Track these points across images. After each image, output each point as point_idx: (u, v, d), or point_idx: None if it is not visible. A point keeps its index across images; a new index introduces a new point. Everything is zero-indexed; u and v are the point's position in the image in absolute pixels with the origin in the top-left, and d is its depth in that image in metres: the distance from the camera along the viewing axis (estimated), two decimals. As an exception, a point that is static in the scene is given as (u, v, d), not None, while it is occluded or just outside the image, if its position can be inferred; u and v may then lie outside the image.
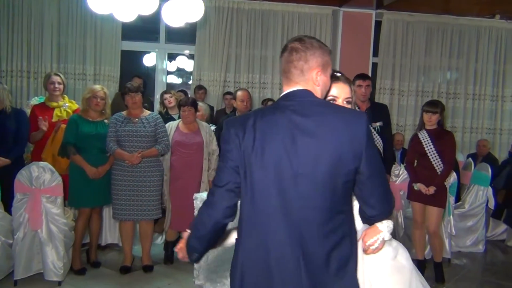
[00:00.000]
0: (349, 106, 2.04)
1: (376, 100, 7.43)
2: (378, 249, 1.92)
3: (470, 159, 6.39)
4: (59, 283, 4.13)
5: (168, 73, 7.84)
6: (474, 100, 7.69)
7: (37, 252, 4.12)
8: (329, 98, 2.00)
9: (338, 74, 2.07)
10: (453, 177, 5.10)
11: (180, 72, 8.13)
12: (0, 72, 6.51)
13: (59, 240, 4.11)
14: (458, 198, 5.79)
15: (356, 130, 1.71)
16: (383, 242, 1.91)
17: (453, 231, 5.17)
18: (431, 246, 4.76)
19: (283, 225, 1.71)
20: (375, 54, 7.40)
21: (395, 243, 2.16)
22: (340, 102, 2.03)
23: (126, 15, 4.74)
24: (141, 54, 7.71)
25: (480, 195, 5.64)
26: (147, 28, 7.15)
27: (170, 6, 4.80)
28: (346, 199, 1.77)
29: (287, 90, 1.83)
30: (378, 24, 7.35)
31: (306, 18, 7.19)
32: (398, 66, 7.49)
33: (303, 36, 1.87)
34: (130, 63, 7.52)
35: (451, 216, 5.15)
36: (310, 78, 1.80)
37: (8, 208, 4.09)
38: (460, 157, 6.79)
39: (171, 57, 7.78)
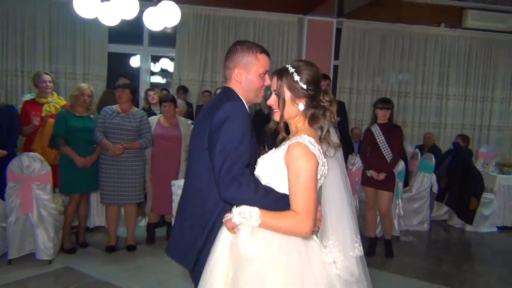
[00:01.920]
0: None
1: (337, 98, 7.50)
2: (228, 224, 1.71)
3: (417, 149, 6.51)
4: (50, 261, 4.09)
5: (153, 73, 7.76)
6: (422, 98, 7.83)
7: (29, 234, 4.06)
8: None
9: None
10: (401, 165, 5.21)
11: (164, 72, 8.05)
12: (-5, 71, 6.35)
13: (49, 223, 4.05)
14: (406, 184, 5.90)
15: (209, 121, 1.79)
16: (230, 221, 1.69)
17: (401, 212, 5.29)
18: (382, 226, 4.86)
19: None
20: (336, 57, 7.45)
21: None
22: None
23: (110, 20, 4.70)
24: (127, 56, 7.61)
25: (425, 181, 5.76)
26: (132, 33, 7.05)
27: (150, 12, 4.77)
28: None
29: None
30: (338, 31, 7.39)
31: (274, 25, 7.19)
32: (356, 68, 7.56)
33: (237, 42, 1.95)
34: (117, 64, 7.41)
35: (400, 199, 5.26)
36: (233, 76, 1.89)
37: (1, 195, 4.01)
38: (409, 148, 6.90)
39: (156, 59, 7.69)
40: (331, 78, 7.49)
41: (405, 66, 7.76)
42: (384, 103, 4.64)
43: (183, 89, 6.65)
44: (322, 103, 1.81)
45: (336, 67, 7.49)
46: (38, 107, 4.63)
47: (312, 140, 1.70)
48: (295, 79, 1.76)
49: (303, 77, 1.76)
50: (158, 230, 4.93)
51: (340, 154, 1.84)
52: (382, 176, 4.55)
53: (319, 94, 1.81)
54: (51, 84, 4.66)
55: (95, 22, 5.60)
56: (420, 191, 5.74)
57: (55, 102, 4.73)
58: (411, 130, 7.81)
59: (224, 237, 1.73)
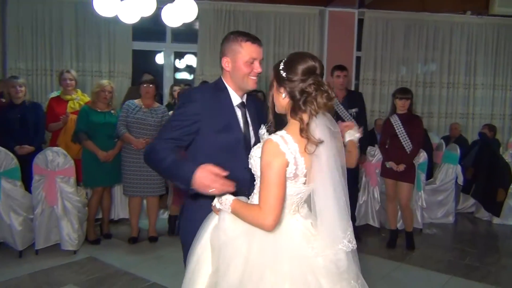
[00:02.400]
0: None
1: (360, 90, 7.40)
2: (214, 210, 1.81)
3: (441, 140, 6.35)
4: (75, 252, 4.23)
5: (179, 70, 7.87)
6: (449, 88, 7.59)
7: (54, 226, 4.21)
8: None
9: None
10: (423, 156, 5.10)
11: (189, 68, 8.14)
12: (27, 70, 6.56)
13: (73, 215, 4.19)
14: (430, 175, 5.78)
15: None
16: (215, 207, 1.79)
17: (424, 204, 5.19)
18: (403, 218, 4.77)
19: None
20: (359, 48, 7.33)
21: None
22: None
23: (130, 17, 4.78)
24: (153, 53, 7.73)
25: (450, 173, 5.63)
26: (155, 30, 7.15)
27: (168, 9, 4.83)
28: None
29: None
30: (360, 21, 7.27)
31: (295, 18, 7.12)
32: (379, 59, 7.41)
33: (228, 33, 2.04)
34: (142, 61, 7.54)
35: (422, 191, 5.16)
36: (222, 65, 2.00)
37: (28, 188, 4.17)
38: (436, 139, 6.75)
39: (181, 55, 7.79)
40: (353, 70, 7.44)
41: (430, 55, 7.54)
42: (403, 93, 4.55)
43: (205, 83, 6.69)
44: (306, 94, 1.68)
45: (358, 59, 7.37)
46: (63, 104, 4.78)
47: (289, 137, 1.65)
48: (279, 68, 1.73)
49: (287, 66, 1.71)
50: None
51: (332, 145, 1.70)
52: (401, 167, 4.47)
53: (304, 84, 1.68)
54: (73, 82, 4.80)
55: (118, 21, 5.73)
56: (444, 183, 5.61)
57: (79, 99, 4.87)
58: (438, 120, 7.59)
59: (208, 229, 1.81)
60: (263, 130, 1.87)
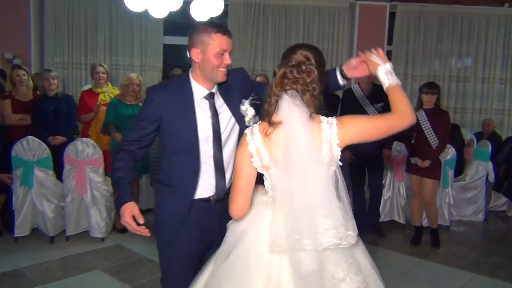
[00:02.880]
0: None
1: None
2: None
3: (473, 136, 6.18)
4: (103, 239, 4.40)
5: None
6: (484, 83, 7.35)
7: (84, 213, 4.39)
8: None
9: None
10: (451, 152, 4.99)
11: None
12: (63, 64, 6.82)
13: (102, 204, 4.35)
14: (461, 172, 5.65)
15: None
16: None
17: (451, 201, 5.08)
18: (427, 214, 4.70)
19: None
20: (389, 42, 7.22)
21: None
22: None
23: (159, 12, 4.89)
24: (183, 47, 7.86)
25: (480, 170, 5.47)
26: (186, 24, 7.26)
27: (196, 3, 4.91)
28: None
29: None
30: (392, 14, 7.14)
31: (325, 12, 7.07)
32: (411, 53, 7.26)
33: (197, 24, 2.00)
34: (174, 56, 7.67)
35: (449, 188, 5.05)
36: (192, 56, 1.96)
37: (59, 177, 4.36)
38: (469, 135, 6.57)
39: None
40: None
41: (464, 49, 7.32)
42: (430, 87, 4.46)
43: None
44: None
45: (389, 53, 7.25)
46: (94, 96, 4.96)
47: (260, 128, 1.67)
48: None
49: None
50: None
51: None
52: (426, 163, 4.40)
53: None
54: (104, 75, 4.96)
55: (150, 16, 5.87)
56: (474, 180, 5.46)
57: (110, 91, 5.04)
58: (471, 116, 7.38)
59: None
60: (245, 106, 1.91)
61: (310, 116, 1.61)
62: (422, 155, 4.44)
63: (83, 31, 6.80)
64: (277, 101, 1.63)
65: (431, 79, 7.19)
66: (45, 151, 4.23)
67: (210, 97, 1.99)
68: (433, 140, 4.41)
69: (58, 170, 4.34)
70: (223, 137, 1.99)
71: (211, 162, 1.97)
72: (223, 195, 1.98)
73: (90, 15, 6.79)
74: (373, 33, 7.05)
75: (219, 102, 2.01)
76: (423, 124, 4.44)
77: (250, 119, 1.97)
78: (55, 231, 4.35)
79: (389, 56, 7.15)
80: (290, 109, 1.60)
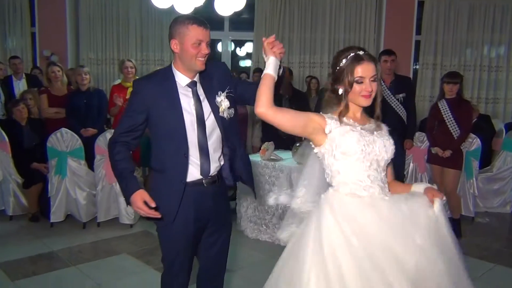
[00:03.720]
0: (374, 84, 1.83)
1: (419, 75, 7.25)
2: None
3: (502, 127, 6.05)
4: (131, 225, 4.65)
5: (241, 58, 8.14)
6: (517, 72, 7.20)
7: (113, 201, 4.65)
8: (356, 79, 1.81)
9: (361, 53, 1.83)
10: (476, 143, 4.95)
11: (249, 56, 8.37)
12: (97, 60, 7.17)
13: (130, 192, 4.59)
14: (488, 163, 5.57)
15: None
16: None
17: (476, 192, 5.04)
18: (448, 205, 4.67)
19: None
20: (418, 32, 7.15)
21: None
22: (367, 82, 1.81)
23: (184, 8, 5.07)
24: (212, 41, 8.03)
25: (509, 160, 5.37)
26: (214, 19, 7.45)
27: (220, -1, 5.07)
28: None
29: None
30: (420, 4, 7.07)
31: (351, 1, 7.09)
32: (441, 42, 7.17)
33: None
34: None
35: (474, 179, 5.01)
36: (171, 47, 2.08)
37: (91, 167, 4.64)
38: (500, 126, 6.44)
39: (242, 43, 8.05)
40: (412, 54, 7.26)
41: (496, 38, 7.16)
42: (451, 77, 4.44)
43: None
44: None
45: (418, 43, 7.19)
46: (123, 90, 5.21)
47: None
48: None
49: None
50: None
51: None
52: (447, 153, 4.39)
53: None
54: (133, 70, 5.20)
55: (177, 12, 6.08)
56: (502, 171, 5.37)
57: (138, 85, 5.27)
58: (504, 106, 7.23)
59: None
60: (220, 97, 2.07)
61: None
62: (443, 145, 4.43)
63: (116, 28, 7.13)
64: None
65: (461, 68, 7.10)
66: (78, 142, 4.51)
67: (193, 85, 2.12)
68: (454, 130, 4.40)
69: (90, 160, 4.60)
70: (207, 123, 2.12)
71: (196, 146, 2.10)
72: (211, 178, 2.13)
73: (122, 12, 7.11)
74: (401, 23, 7.02)
75: (201, 91, 2.14)
76: (445, 114, 4.43)
77: (224, 110, 2.11)
78: (87, 217, 4.63)
79: (417, 46, 7.11)
80: None
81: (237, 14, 6.81)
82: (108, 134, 4.51)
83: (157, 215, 2.01)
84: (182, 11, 5.21)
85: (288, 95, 5.21)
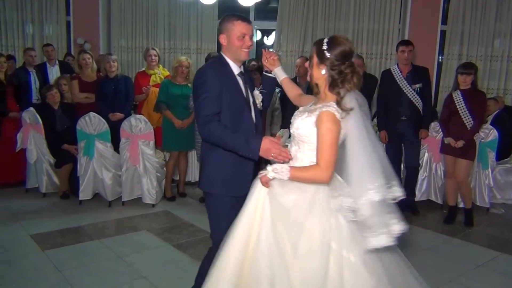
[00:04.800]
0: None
1: (445, 66, 7.22)
2: (263, 179, 2.13)
3: (523, 119, 6.01)
4: (153, 205, 4.97)
5: (266, 47, 8.32)
6: (547, 63, 7.05)
7: (137, 182, 4.98)
8: None
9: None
10: (493, 134, 4.98)
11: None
12: (127, 48, 7.51)
13: (153, 174, 4.91)
14: (508, 154, 5.57)
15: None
16: (265, 176, 2.12)
17: (491, 183, 5.09)
18: (460, 194, 4.77)
19: None
20: (444, 22, 7.11)
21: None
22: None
23: (208, -1, 5.31)
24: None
25: (528, 152, 5.39)
26: (239, 8, 7.63)
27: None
28: None
29: None
30: (447, -7, 7.03)
31: (376, -9, 7.11)
32: (467, 32, 7.08)
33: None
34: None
35: (489, 170, 5.05)
36: (221, 41, 2.43)
37: (117, 149, 4.96)
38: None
39: (269, 33, 8.22)
40: (438, 44, 7.23)
41: (526, 28, 7.04)
42: (465, 68, 4.49)
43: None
44: (343, 73, 2.08)
45: (443, 33, 7.15)
46: (146, 77, 5.51)
47: (339, 109, 2.05)
48: (323, 47, 2.09)
49: (330, 47, 2.08)
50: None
51: (358, 110, 2.08)
52: (460, 143, 4.47)
53: (343, 64, 2.07)
54: (156, 58, 5.48)
55: (203, 3, 6.32)
56: (520, 163, 5.39)
57: (161, 73, 5.56)
58: (531, 98, 7.12)
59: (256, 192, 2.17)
60: (256, 91, 2.47)
61: None
62: (456, 135, 4.51)
63: (145, 17, 7.43)
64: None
65: (488, 59, 7.05)
66: (104, 126, 4.83)
67: (242, 74, 2.46)
68: (467, 120, 4.47)
69: (116, 142, 4.93)
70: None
71: (253, 126, 2.44)
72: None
73: (151, 2, 7.39)
74: (427, 12, 6.99)
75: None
76: (458, 105, 4.50)
77: (260, 102, 2.55)
78: (113, 196, 4.98)
79: (443, 36, 7.08)
80: (353, 99, 2.11)
81: (263, 3, 6.99)
82: (133, 119, 4.82)
83: (289, 157, 2.16)
84: (206, 1, 5.45)
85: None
